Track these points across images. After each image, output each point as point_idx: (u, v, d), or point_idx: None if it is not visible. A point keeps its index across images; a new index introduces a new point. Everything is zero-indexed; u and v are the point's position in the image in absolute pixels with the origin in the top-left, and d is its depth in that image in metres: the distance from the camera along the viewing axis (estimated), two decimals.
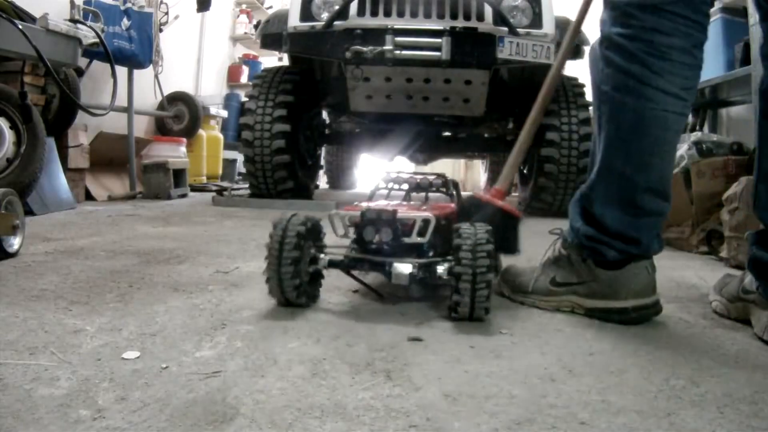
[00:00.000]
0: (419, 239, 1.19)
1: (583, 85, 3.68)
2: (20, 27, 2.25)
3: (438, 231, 1.25)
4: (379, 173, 1.54)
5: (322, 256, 1.25)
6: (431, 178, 1.52)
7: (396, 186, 1.53)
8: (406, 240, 1.19)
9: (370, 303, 1.30)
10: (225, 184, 5.41)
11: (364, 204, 1.35)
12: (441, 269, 1.17)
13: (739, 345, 1.07)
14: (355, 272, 1.33)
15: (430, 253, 1.25)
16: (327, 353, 0.96)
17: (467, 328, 1.13)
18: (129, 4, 4.08)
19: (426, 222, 1.19)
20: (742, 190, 1.88)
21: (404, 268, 1.17)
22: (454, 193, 1.55)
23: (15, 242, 1.70)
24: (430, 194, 1.55)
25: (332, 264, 1.25)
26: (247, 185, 4.14)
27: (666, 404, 0.80)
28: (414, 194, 1.59)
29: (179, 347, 0.96)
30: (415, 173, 1.56)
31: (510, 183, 1.55)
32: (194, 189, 4.90)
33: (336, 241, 1.28)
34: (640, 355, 1.00)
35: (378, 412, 0.74)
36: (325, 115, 4.63)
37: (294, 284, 1.18)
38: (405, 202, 1.48)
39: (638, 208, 1.18)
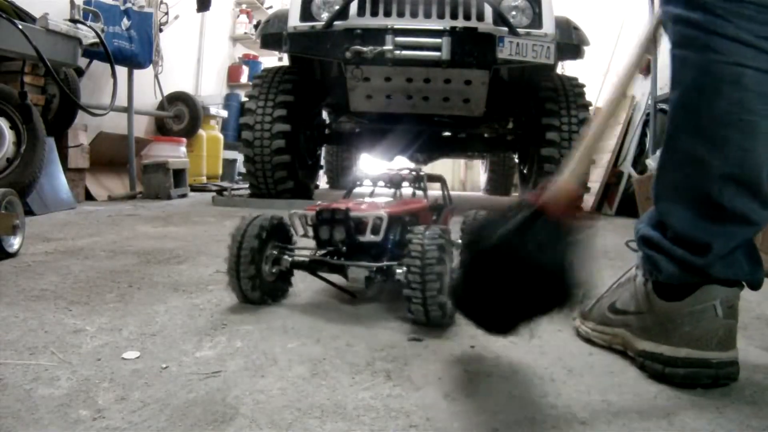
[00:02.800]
0: (373, 237, 1.16)
1: (583, 85, 3.68)
2: (20, 27, 2.25)
3: (404, 228, 1.24)
4: (354, 170, 1.55)
5: (285, 256, 1.24)
6: (404, 173, 1.49)
7: (371, 182, 1.52)
8: (361, 239, 1.17)
9: (370, 303, 1.30)
10: (225, 184, 5.41)
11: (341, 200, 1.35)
12: (400, 272, 1.13)
13: (739, 345, 1.07)
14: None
15: (393, 250, 1.23)
16: (327, 353, 0.96)
17: (467, 328, 1.13)
18: (129, 4, 4.08)
19: (379, 220, 1.16)
20: None
21: (360, 272, 1.16)
22: (445, 190, 1.56)
23: (15, 242, 1.70)
24: (417, 190, 1.54)
25: (295, 265, 1.25)
26: (247, 185, 4.14)
27: (666, 404, 0.80)
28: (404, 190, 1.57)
29: (179, 347, 0.96)
30: (389, 169, 1.55)
31: (584, 179, 0.96)
32: (194, 189, 4.90)
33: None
34: None
35: (378, 412, 0.74)
36: (325, 115, 4.63)
37: (251, 282, 1.18)
38: (371, 199, 1.43)
39: (716, 206, 0.86)
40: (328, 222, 1.18)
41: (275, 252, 1.24)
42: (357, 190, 1.58)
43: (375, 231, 1.16)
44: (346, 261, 1.19)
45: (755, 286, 0.91)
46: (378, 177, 1.50)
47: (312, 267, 1.24)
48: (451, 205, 1.67)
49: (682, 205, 0.89)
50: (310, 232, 1.22)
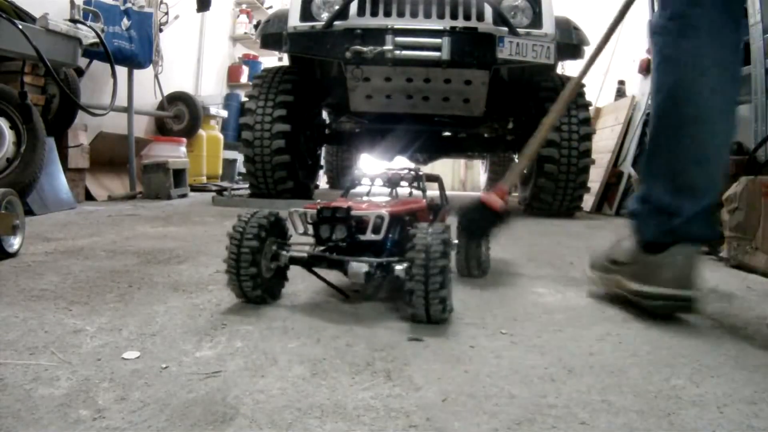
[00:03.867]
0: (374, 236, 1.17)
1: (583, 85, 3.67)
2: (20, 27, 2.25)
3: (403, 228, 1.25)
4: (353, 170, 1.57)
5: (283, 252, 1.24)
6: (402, 173, 1.50)
7: (369, 181, 1.53)
8: (362, 237, 1.18)
9: (370, 302, 1.30)
10: (225, 184, 5.42)
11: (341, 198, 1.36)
12: (399, 268, 1.13)
13: (739, 345, 1.07)
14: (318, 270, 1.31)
15: (392, 249, 1.24)
16: (327, 353, 0.96)
17: (467, 328, 1.13)
18: (129, 4, 4.08)
19: (380, 219, 1.16)
20: (742, 190, 1.88)
21: (360, 267, 1.15)
22: (442, 189, 1.60)
23: (15, 242, 1.70)
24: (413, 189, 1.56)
25: (293, 261, 1.24)
26: (247, 185, 4.14)
27: (666, 404, 0.80)
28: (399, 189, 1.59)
29: (179, 347, 0.96)
30: (387, 169, 1.56)
31: (512, 185, 1.71)
32: (194, 189, 4.90)
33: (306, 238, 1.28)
34: (640, 355, 1.00)
35: (378, 412, 0.74)
36: (325, 115, 4.63)
37: (251, 279, 1.18)
38: (370, 199, 1.43)
39: (683, 182, 1.21)
40: (329, 220, 1.19)
41: (274, 248, 1.24)
42: (355, 189, 1.59)
43: (376, 230, 1.17)
44: (346, 256, 1.18)
45: (714, 240, 1.31)
46: (376, 176, 1.51)
47: (310, 263, 1.24)
48: (447, 205, 1.68)
49: (660, 182, 1.26)
50: (310, 230, 1.22)
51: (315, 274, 1.30)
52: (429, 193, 1.55)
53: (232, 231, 1.19)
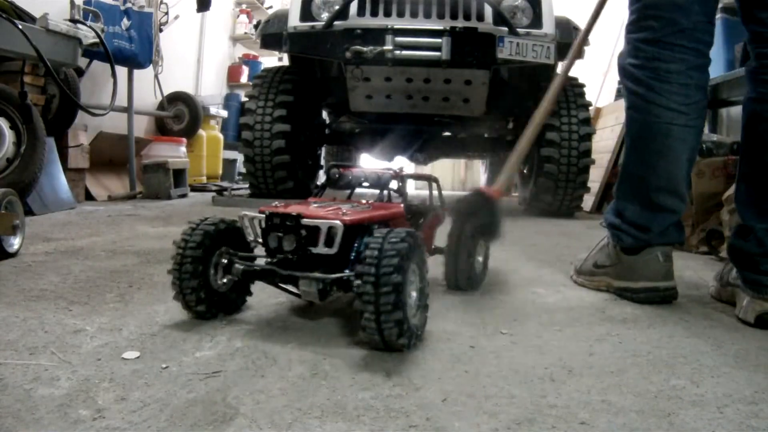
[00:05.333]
0: (326, 249, 1.01)
1: (583, 85, 3.68)
2: (20, 27, 2.25)
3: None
4: (325, 168, 1.40)
5: (236, 265, 1.11)
6: (380, 172, 1.33)
7: (342, 182, 1.36)
8: (313, 250, 1.02)
9: None
10: (225, 184, 5.41)
11: (313, 200, 1.23)
12: (358, 283, 0.93)
13: (739, 345, 1.08)
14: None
15: (356, 261, 1.06)
16: (327, 353, 0.96)
17: (466, 329, 1.13)
18: (129, 4, 4.08)
19: (334, 229, 1.00)
20: None
21: (312, 284, 1.02)
22: (438, 191, 1.49)
23: (15, 242, 1.70)
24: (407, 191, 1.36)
25: (246, 274, 1.11)
26: (247, 185, 4.14)
27: (666, 404, 0.80)
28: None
29: (179, 347, 0.96)
30: (364, 168, 1.38)
31: (507, 184, 1.73)
32: (194, 189, 4.90)
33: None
34: (640, 355, 1.00)
35: (378, 412, 0.74)
36: (325, 115, 4.63)
37: (195, 293, 1.07)
38: (337, 203, 1.24)
39: (653, 204, 1.39)
40: (278, 228, 1.04)
41: (224, 260, 1.11)
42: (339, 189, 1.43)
43: (329, 242, 1.01)
44: (298, 271, 1.04)
45: (681, 244, 1.63)
46: (357, 176, 1.35)
47: (266, 276, 1.10)
48: (441, 208, 1.50)
49: (633, 203, 1.43)
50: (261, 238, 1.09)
51: (279, 287, 1.15)
52: (421, 195, 1.48)
53: (178, 239, 1.09)
